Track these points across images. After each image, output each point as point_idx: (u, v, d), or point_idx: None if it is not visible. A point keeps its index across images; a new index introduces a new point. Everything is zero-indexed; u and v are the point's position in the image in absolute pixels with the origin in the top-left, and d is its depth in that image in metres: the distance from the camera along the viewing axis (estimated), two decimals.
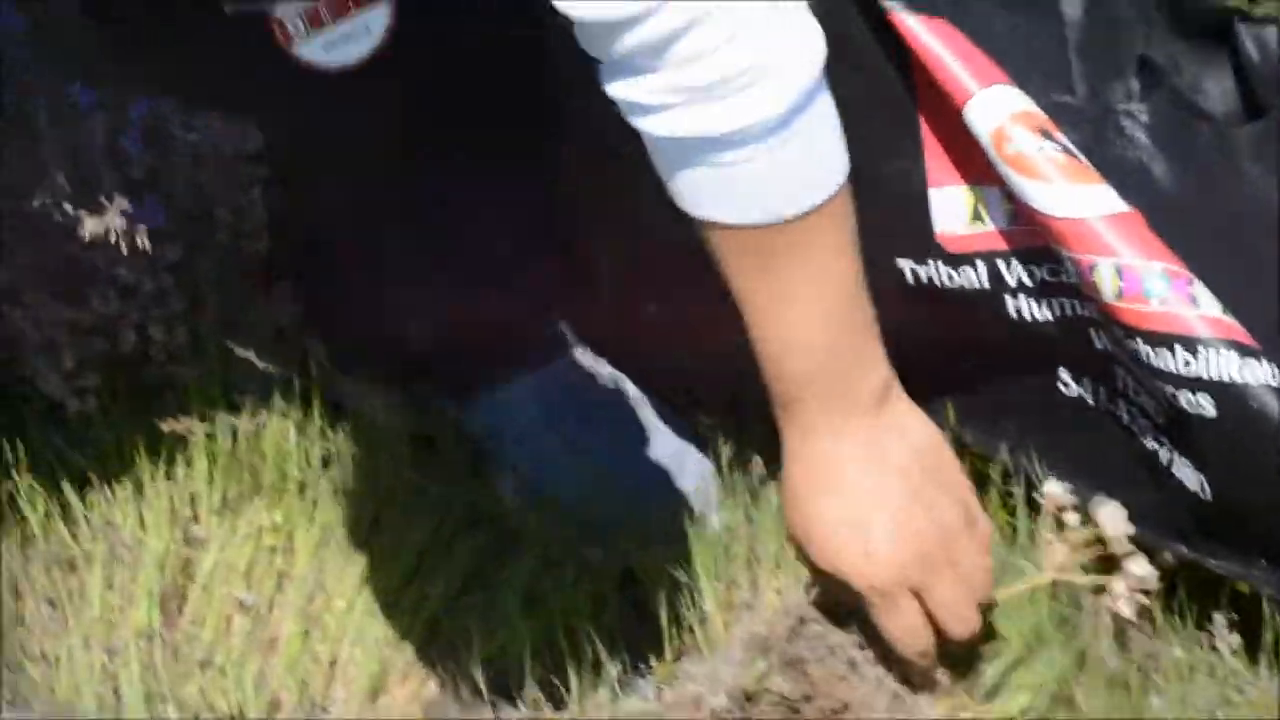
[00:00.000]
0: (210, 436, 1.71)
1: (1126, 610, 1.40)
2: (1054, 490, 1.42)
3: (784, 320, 1.32)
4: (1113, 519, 1.39)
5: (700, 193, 1.30)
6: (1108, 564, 1.42)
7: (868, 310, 1.34)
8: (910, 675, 1.36)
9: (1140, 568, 1.40)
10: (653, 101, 1.26)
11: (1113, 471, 1.52)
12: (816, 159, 1.29)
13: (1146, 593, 1.40)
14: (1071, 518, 1.39)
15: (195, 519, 1.70)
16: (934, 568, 1.34)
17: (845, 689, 1.36)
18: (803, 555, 1.38)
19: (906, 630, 1.34)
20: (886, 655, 1.36)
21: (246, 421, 1.72)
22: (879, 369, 1.35)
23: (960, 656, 1.38)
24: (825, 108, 1.29)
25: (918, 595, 1.34)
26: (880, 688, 1.36)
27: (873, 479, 1.34)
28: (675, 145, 1.28)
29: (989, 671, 1.41)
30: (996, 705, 1.41)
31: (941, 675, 1.37)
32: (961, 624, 1.34)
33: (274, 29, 1.41)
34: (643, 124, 1.29)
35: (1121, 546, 1.40)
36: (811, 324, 1.32)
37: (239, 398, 1.75)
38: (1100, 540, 1.39)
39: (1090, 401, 1.53)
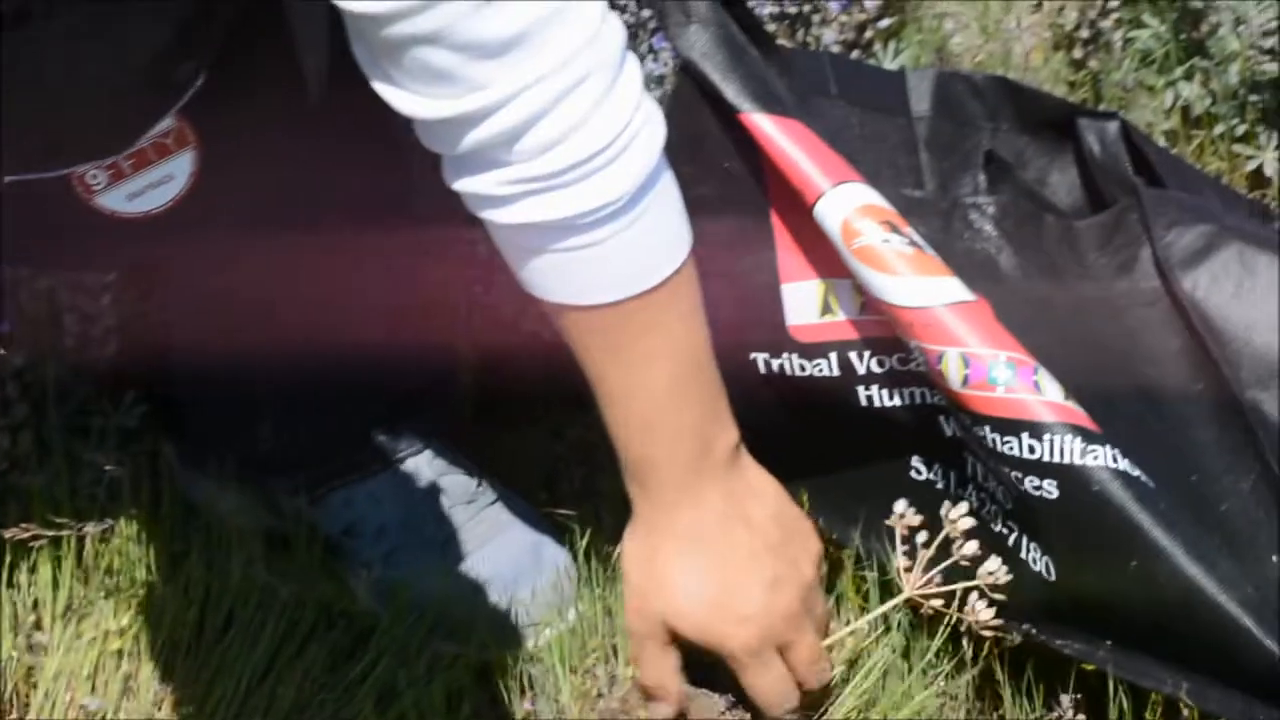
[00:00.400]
0: (55, 542, 1.68)
1: (985, 615, 1.42)
2: (901, 509, 1.45)
3: (636, 395, 1.33)
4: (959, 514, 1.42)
5: (549, 278, 1.31)
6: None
7: (715, 375, 1.37)
8: None
9: (991, 564, 1.44)
10: (502, 193, 1.27)
11: None
12: (664, 234, 1.31)
13: (998, 590, 1.44)
14: (921, 536, 1.42)
15: (38, 625, 1.66)
16: (799, 623, 1.37)
17: None
18: (654, 636, 1.39)
19: (776, 688, 1.37)
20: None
21: (93, 526, 1.69)
22: (729, 433, 1.38)
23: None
24: (669, 183, 1.31)
25: (781, 651, 1.36)
26: None
27: (738, 543, 1.36)
28: (523, 233, 1.29)
29: None
30: None
31: None
32: (821, 674, 1.38)
33: (73, 183, 1.37)
34: (491, 215, 1.29)
35: (970, 548, 1.43)
36: (663, 397, 1.34)
37: (86, 503, 1.72)
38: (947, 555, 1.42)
39: (940, 487, 1.55)
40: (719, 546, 1.36)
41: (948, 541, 1.46)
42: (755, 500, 1.39)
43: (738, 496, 1.37)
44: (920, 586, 1.46)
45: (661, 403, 1.34)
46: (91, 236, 1.40)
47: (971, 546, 1.45)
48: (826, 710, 1.43)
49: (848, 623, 1.54)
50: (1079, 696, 1.49)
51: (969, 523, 1.46)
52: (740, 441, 1.39)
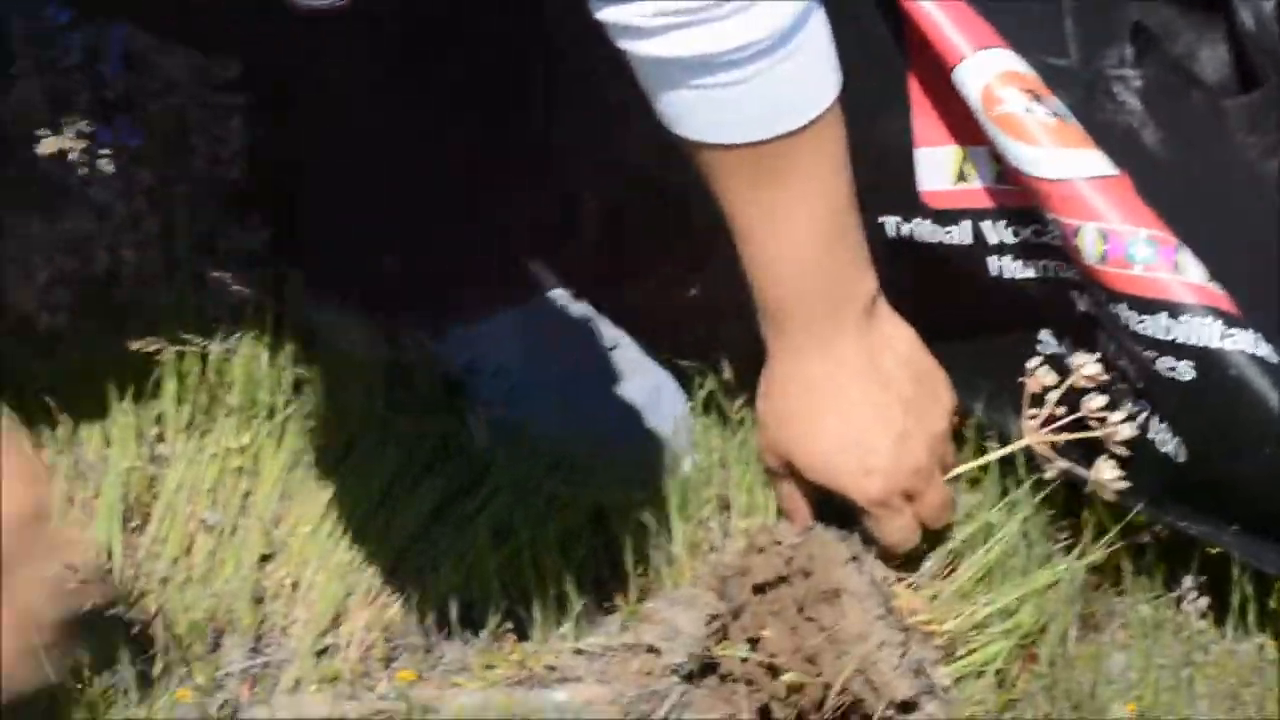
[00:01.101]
0: (180, 358, 1.69)
1: (1109, 474, 1.41)
2: (1034, 364, 1.45)
3: (775, 237, 1.33)
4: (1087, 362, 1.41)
5: (692, 114, 1.30)
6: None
7: (857, 224, 1.37)
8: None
9: (1117, 415, 1.43)
10: (648, 25, 1.26)
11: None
12: (810, 77, 1.30)
13: (1124, 446, 1.43)
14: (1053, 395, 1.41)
15: (161, 438, 1.68)
16: (926, 475, 1.38)
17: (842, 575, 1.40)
18: (785, 471, 1.40)
19: (901, 535, 1.38)
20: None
21: (217, 345, 1.71)
22: (867, 282, 1.38)
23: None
24: (820, 24, 1.29)
25: (909, 499, 1.38)
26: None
27: (869, 396, 1.36)
28: (667, 67, 1.28)
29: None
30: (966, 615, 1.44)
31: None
32: (945, 518, 1.38)
33: None
34: (634, 47, 1.28)
35: (1098, 401, 1.43)
36: (803, 240, 1.33)
37: (210, 323, 1.74)
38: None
39: (1068, 361, 1.54)
40: (850, 397, 1.37)
41: (1078, 414, 1.45)
42: (889, 351, 1.39)
43: (872, 347, 1.38)
44: (1043, 434, 1.45)
45: (801, 248, 1.34)
46: (263, 23, 1.40)
47: (1099, 400, 1.44)
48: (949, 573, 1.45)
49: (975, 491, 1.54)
50: (1203, 579, 1.49)
51: (1096, 370, 1.45)
52: (879, 292, 1.39)
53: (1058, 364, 1.54)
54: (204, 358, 1.70)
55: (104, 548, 1.58)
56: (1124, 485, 1.44)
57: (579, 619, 1.53)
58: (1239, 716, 1.38)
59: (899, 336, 1.42)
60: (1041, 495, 1.51)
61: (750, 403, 1.56)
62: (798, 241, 1.34)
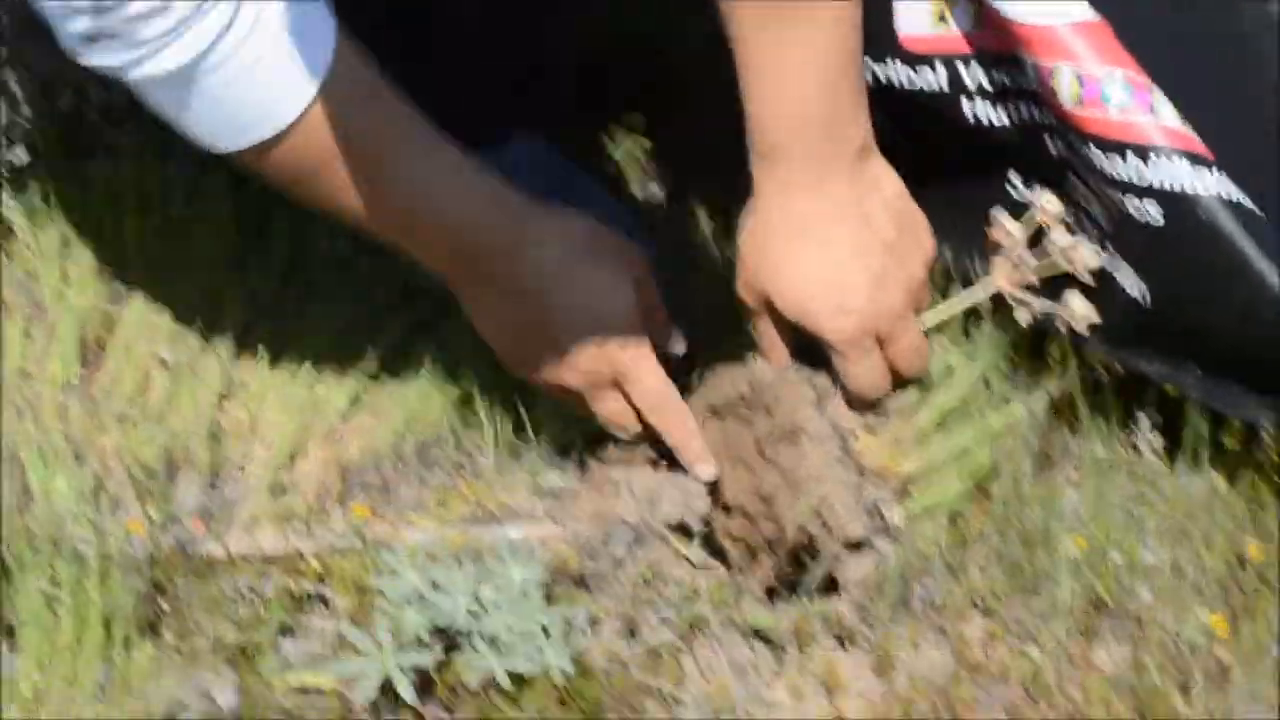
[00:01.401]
0: (143, 198, 1.68)
1: (1080, 309, 1.39)
2: (1001, 216, 1.43)
3: (781, 73, 1.33)
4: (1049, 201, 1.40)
5: None
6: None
7: (860, 71, 1.36)
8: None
9: (1085, 251, 1.41)
10: None
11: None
12: None
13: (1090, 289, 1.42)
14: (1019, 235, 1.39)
15: (121, 275, 1.67)
16: (901, 319, 1.37)
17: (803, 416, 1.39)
18: (762, 308, 1.40)
19: (869, 377, 1.38)
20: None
21: (181, 187, 1.69)
22: (863, 126, 1.37)
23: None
24: None
25: (881, 343, 1.37)
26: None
27: (852, 236, 1.36)
28: None
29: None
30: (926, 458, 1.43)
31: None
32: (919, 364, 1.42)
33: None
34: None
35: (1062, 237, 1.40)
36: (807, 78, 1.33)
37: (175, 165, 1.72)
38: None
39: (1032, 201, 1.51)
40: (832, 236, 1.36)
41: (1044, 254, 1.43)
42: (877, 195, 1.38)
43: (861, 190, 1.37)
44: (1012, 276, 1.43)
45: (804, 85, 1.34)
46: None
47: (1064, 236, 1.41)
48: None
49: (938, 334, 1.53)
50: (1158, 414, 1.47)
51: (1057, 206, 1.43)
52: (871, 138, 1.38)
53: (1025, 210, 1.52)
54: (166, 199, 1.68)
55: (62, 384, 1.58)
56: (1094, 317, 1.42)
57: (535, 458, 1.53)
58: (1186, 551, 1.37)
59: (887, 181, 1.41)
60: (1003, 339, 1.50)
61: (720, 251, 1.55)
62: (802, 79, 1.34)
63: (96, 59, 1.30)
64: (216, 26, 1.28)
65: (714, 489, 1.45)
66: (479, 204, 1.39)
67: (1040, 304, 1.43)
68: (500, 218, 1.39)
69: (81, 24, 1.27)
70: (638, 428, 1.44)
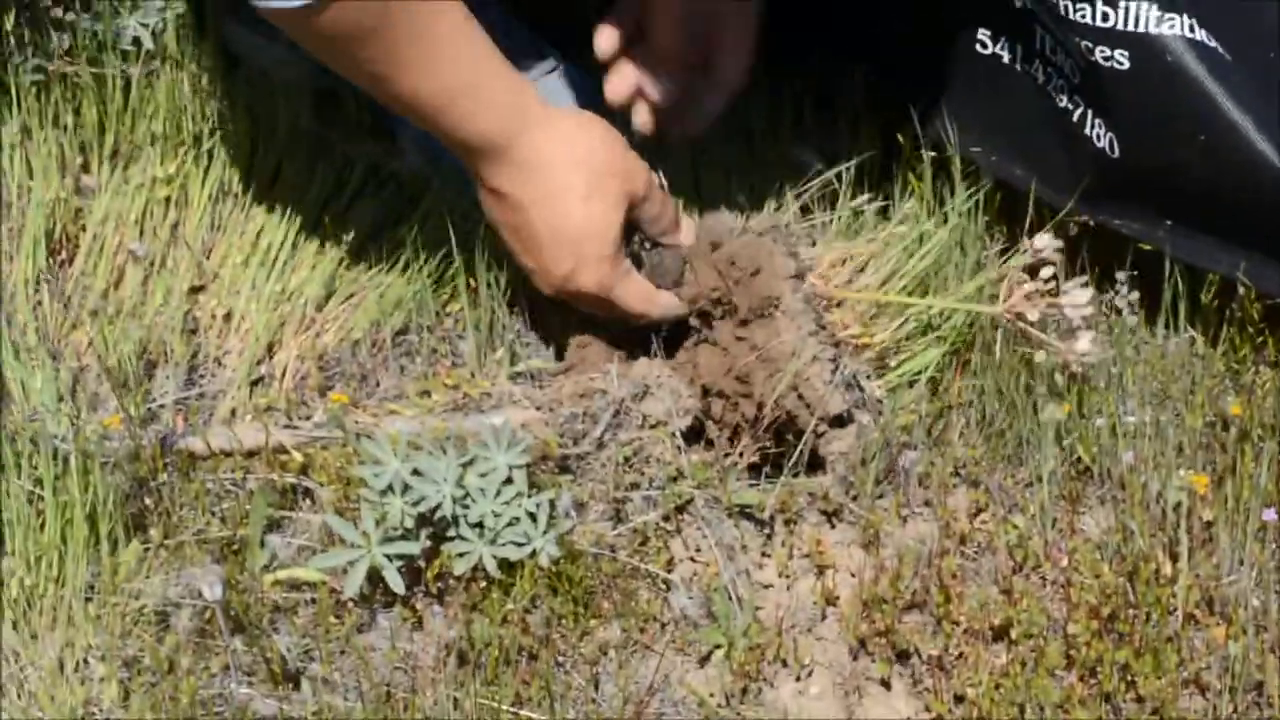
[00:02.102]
0: (100, 83, 1.65)
1: (1083, 345, 1.39)
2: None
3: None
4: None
5: None
6: None
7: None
8: None
9: (1080, 296, 1.40)
10: None
11: (1025, 132, 1.49)
12: None
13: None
14: (1046, 271, 1.39)
15: (85, 168, 1.65)
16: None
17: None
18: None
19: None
20: None
21: (140, 70, 1.66)
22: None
23: None
24: None
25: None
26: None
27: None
28: None
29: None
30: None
31: None
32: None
33: None
34: None
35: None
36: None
37: (131, 46, 1.68)
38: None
39: (1006, 60, 1.50)
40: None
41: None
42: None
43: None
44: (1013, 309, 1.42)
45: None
46: None
47: (1071, 286, 1.41)
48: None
49: (906, 203, 1.52)
50: (1135, 273, 1.47)
51: (1054, 249, 1.42)
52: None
53: (994, 65, 1.50)
54: (126, 84, 1.66)
55: (33, 279, 1.56)
56: (1093, 358, 1.40)
57: (514, 343, 1.52)
58: (1167, 412, 1.37)
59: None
60: (974, 202, 1.49)
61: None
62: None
63: None
64: None
65: (692, 372, 1.45)
66: (512, 91, 1.40)
67: (1039, 337, 1.41)
68: (510, 108, 1.40)
69: None
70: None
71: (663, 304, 1.46)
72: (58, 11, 1.66)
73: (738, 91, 1.53)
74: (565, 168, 1.40)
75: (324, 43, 1.36)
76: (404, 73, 1.37)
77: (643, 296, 1.45)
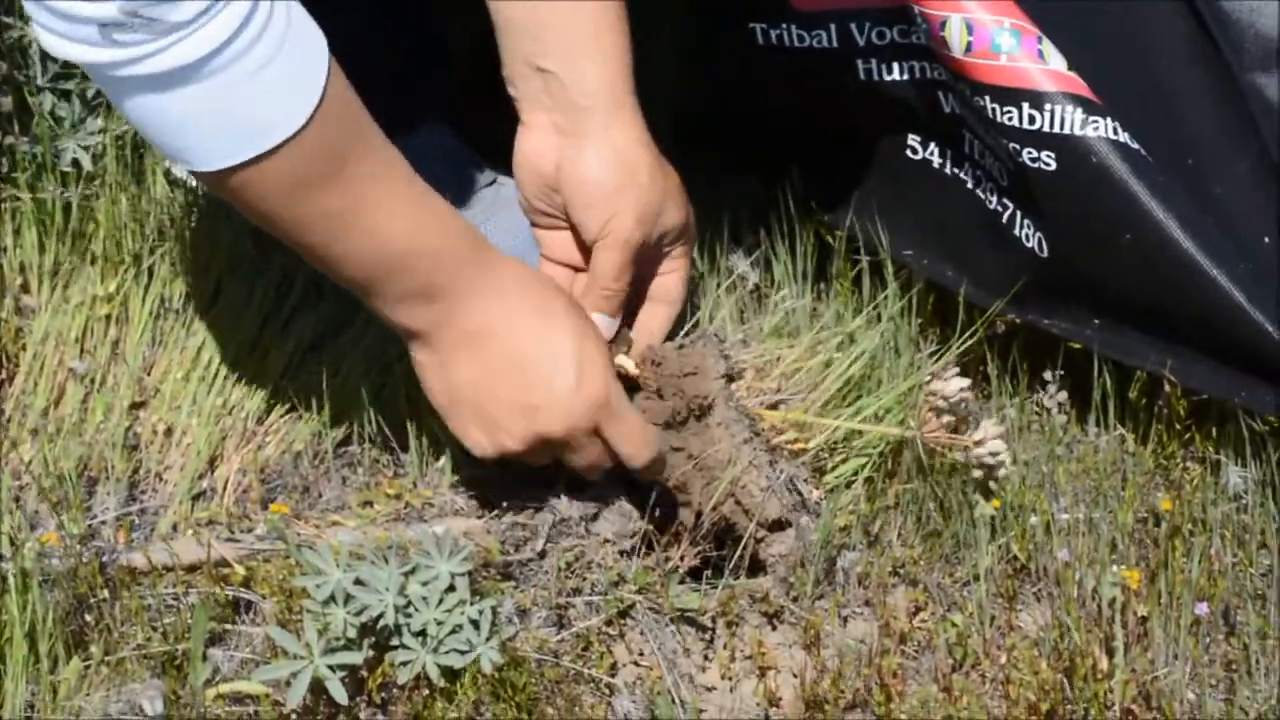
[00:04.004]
0: (40, 204, 1.66)
1: (994, 445, 1.41)
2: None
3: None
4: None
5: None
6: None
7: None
8: None
9: (994, 444, 1.43)
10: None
11: (956, 234, 1.53)
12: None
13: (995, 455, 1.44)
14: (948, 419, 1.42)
15: (25, 288, 1.66)
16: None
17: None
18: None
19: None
20: None
21: (78, 190, 1.68)
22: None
23: None
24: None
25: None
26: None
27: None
28: None
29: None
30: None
31: None
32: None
33: None
34: None
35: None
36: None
37: (70, 168, 1.70)
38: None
39: (937, 164, 1.53)
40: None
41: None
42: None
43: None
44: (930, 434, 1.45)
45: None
46: None
47: (984, 429, 1.43)
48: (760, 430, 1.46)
49: (839, 302, 1.54)
50: (1063, 373, 1.49)
51: (962, 389, 1.44)
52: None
53: (924, 171, 1.53)
54: (65, 205, 1.67)
55: None
56: (1008, 466, 1.43)
57: (455, 453, 1.53)
58: (1100, 509, 1.39)
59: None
60: (905, 304, 1.51)
61: None
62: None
63: (96, 53, 1.22)
64: (235, 21, 1.22)
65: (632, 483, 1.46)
66: (459, 246, 1.36)
67: (958, 452, 1.44)
68: (471, 261, 1.37)
69: (108, 9, 1.20)
70: (610, 465, 1.42)
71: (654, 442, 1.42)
72: None
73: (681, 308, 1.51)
74: (528, 309, 1.39)
75: (261, 196, 1.30)
76: (357, 221, 1.32)
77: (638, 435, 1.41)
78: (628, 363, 1.45)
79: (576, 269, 1.50)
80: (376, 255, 1.33)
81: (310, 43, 1.28)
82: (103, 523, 1.49)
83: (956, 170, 1.52)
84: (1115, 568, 1.34)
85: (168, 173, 1.72)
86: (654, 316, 1.47)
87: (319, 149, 1.28)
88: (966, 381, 1.40)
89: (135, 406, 1.58)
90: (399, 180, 1.33)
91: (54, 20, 1.22)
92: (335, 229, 1.31)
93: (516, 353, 1.37)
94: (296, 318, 1.63)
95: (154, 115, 1.26)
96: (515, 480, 1.47)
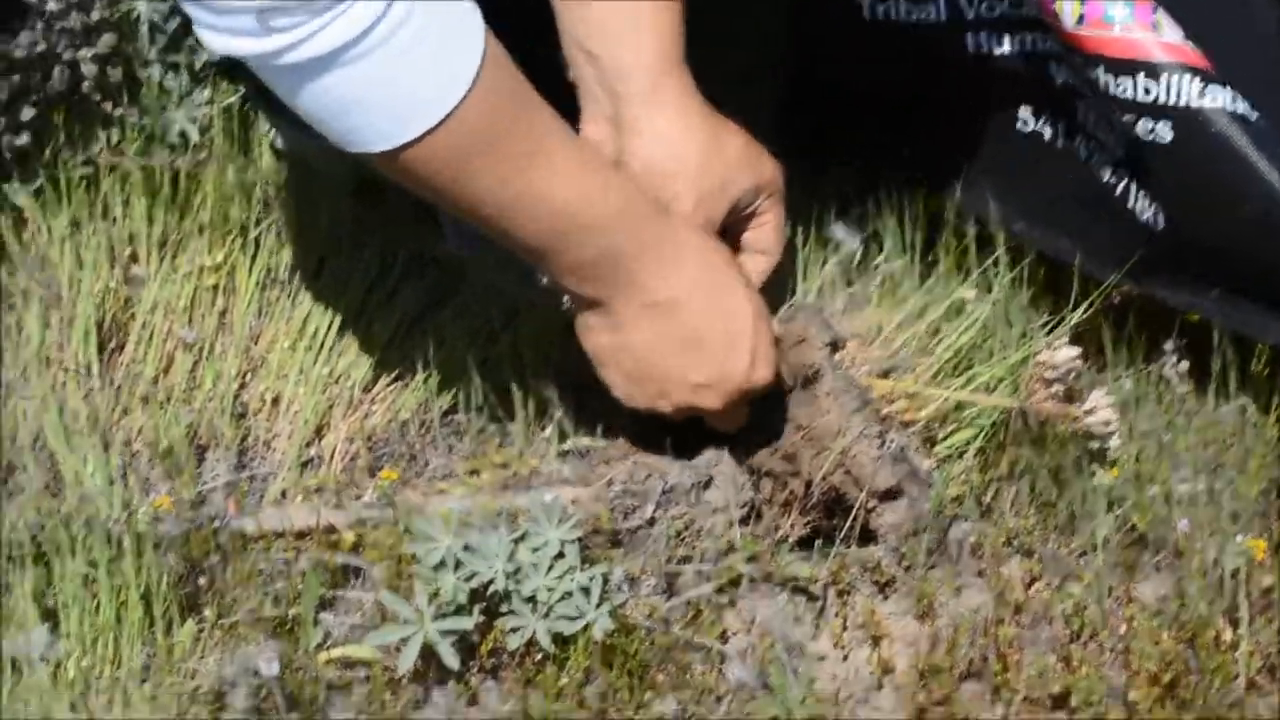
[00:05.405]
0: (148, 174, 1.67)
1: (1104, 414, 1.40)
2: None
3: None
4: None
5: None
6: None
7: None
8: None
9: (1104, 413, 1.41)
10: None
11: (1068, 207, 1.51)
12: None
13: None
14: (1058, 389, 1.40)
15: (134, 258, 1.67)
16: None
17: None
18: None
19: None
20: None
21: (186, 161, 1.69)
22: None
23: None
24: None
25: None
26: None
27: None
28: None
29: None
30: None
31: None
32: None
33: None
34: None
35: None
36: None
37: (177, 139, 1.71)
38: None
39: (1048, 137, 1.52)
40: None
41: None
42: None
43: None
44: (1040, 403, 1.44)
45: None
46: None
47: (1096, 397, 1.41)
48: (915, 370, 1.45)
49: (948, 272, 1.53)
50: (1184, 342, 1.48)
51: (1074, 358, 1.43)
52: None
53: (1035, 144, 1.52)
54: (174, 175, 1.68)
55: (84, 368, 1.57)
56: (1116, 439, 1.42)
57: (561, 422, 1.53)
58: (1221, 480, 1.38)
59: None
60: (1018, 272, 1.50)
61: None
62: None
63: (257, 43, 1.23)
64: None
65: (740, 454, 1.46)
66: (629, 213, 1.35)
67: (1069, 422, 1.42)
68: (649, 227, 1.36)
69: None
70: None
71: None
72: (106, 106, 1.69)
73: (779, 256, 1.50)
74: (704, 270, 1.37)
75: (428, 173, 1.31)
76: (528, 189, 1.32)
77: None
78: None
79: None
80: (548, 225, 1.33)
81: (463, 9, 1.28)
82: (213, 489, 1.50)
83: (1069, 143, 1.50)
84: (1239, 538, 1.32)
85: (274, 145, 1.73)
86: (752, 267, 1.46)
87: (481, 120, 1.28)
88: (1077, 350, 1.38)
89: (243, 374, 1.59)
90: (565, 148, 1.33)
91: (212, 16, 1.24)
92: (504, 201, 1.31)
93: (695, 332, 1.37)
94: (401, 289, 1.64)
95: (320, 100, 1.27)
96: (625, 448, 1.48)
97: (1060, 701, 1.28)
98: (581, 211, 1.33)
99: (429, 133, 1.27)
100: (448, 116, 1.27)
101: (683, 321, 1.37)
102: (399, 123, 1.27)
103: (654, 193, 1.40)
